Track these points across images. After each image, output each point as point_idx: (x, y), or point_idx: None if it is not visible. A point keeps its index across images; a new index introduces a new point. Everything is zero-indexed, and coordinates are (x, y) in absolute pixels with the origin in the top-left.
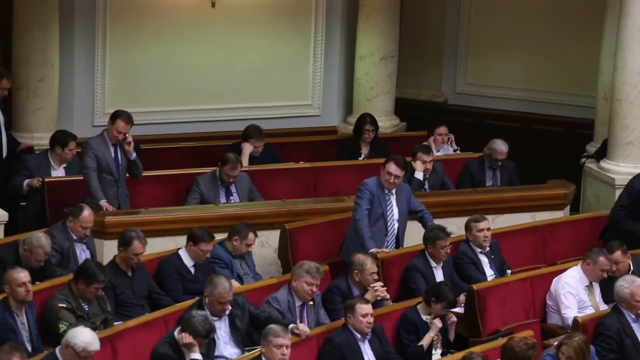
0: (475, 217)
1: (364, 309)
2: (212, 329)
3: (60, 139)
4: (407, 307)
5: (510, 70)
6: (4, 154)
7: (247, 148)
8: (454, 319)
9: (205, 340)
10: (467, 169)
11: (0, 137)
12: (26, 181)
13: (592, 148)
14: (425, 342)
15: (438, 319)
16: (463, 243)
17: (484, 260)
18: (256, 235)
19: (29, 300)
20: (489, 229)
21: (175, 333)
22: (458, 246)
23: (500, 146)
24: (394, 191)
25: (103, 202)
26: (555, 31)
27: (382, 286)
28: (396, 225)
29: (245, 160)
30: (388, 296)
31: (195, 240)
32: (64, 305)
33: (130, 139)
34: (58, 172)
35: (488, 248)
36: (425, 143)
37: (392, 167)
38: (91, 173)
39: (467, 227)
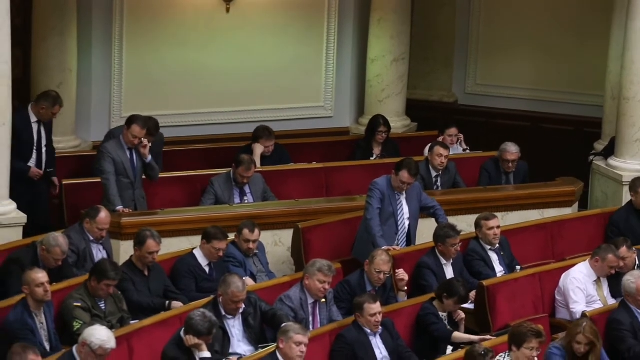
0: (485, 215)
1: (373, 308)
2: (213, 325)
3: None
4: (419, 303)
5: (519, 71)
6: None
7: (258, 149)
8: (462, 315)
9: (210, 337)
10: (486, 169)
11: (41, 154)
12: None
13: (600, 146)
14: (460, 335)
15: (460, 311)
16: (473, 240)
17: (494, 257)
18: (252, 232)
19: (47, 300)
20: (498, 227)
21: (182, 333)
22: (468, 243)
23: (510, 147)
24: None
25: (120, 208)
26: (563, 32)
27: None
28: (407, 223)
29: (257, 161)
30: (405, 287)
31: (208, 238)
32: (79, 304)
33: (145, 142)
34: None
35: (498, 245)
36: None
37: (406, 176)
38: (110, 178)
39: (477, 225)
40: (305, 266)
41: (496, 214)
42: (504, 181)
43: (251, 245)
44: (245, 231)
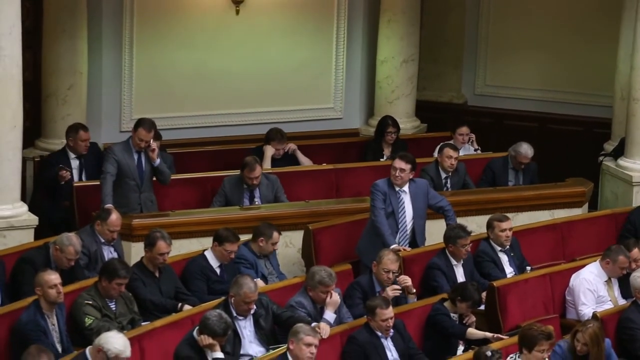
0: (498, 217)
1: (385, 313)
2: (228, 327)
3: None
4: (430, 304)
5: (529, 72)
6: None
7: (269, 151)
8: (473, 318)
9: (224, 338)
10: (490, 168)
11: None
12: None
13: (609, 146)
14: (474, 331)
15: (471, 315)
16: (483, 241)
17: (504, 258)
18: (280, 234)
19: (60, 302)
20: (510, 229)
21: (195, 333)
22: (478, 244)
23: (526, 150)
24: (406, 189)
25: (108, 206)
26: (572, 32)
27: (405, 281)
28: (409, 224)
29: (267, 163)
30: (414, 290)
31: (220, 241)
32: (90, 302)
33: (154, 146)
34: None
35: (508, 246)
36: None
37: (397, 162)
38: (108, 178)
39: (489, 226)
40: (306, 279)
41: (506, 214)
42: (512, 177)
43: (275, 247)
44: (276, 234)
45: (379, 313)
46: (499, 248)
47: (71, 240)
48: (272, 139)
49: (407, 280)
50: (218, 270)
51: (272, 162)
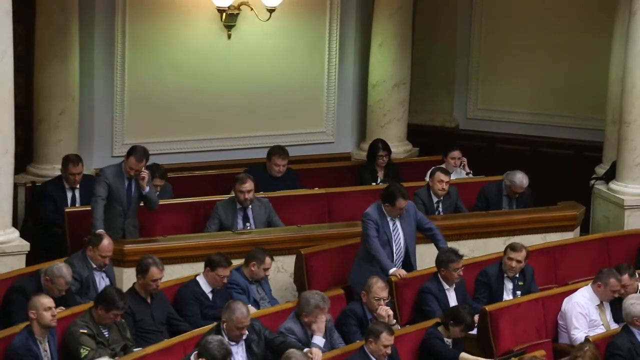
0: (513, 245)
1: (389, 339)
2: (228, 354)
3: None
4: (423, 328)
5: (520, 95)
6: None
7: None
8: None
9: None
10: (484, 195)
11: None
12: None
13: (601, 170)
14: (467, 356)
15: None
16: (494, 264)
17: (508, 285)
18: (272, 260)
19: (53, 326)
20: (519, 261)
21: (192, 358)
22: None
23: (521, 180)
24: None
25: (100, 232)
26: (564, 56)
27: (388, 312)
28: (403, 249)
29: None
30: (394, 321)
31: (212, 266)
32: (85, 331)
33: (144, 174)
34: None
35: (513, 275)
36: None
37: (403, 203)
38: (99, 201)
39: (505, 250)
40: (299, 305)
41: (498, 238)
42: (506, 204)
43: (267, 273)
44: (268, 260)
45: (383, 338)
46: (506, 274)
47: (61, 272)
48: (274, 153)
49: (389, 312)
50: (210, 296)
51: (273, 180)
